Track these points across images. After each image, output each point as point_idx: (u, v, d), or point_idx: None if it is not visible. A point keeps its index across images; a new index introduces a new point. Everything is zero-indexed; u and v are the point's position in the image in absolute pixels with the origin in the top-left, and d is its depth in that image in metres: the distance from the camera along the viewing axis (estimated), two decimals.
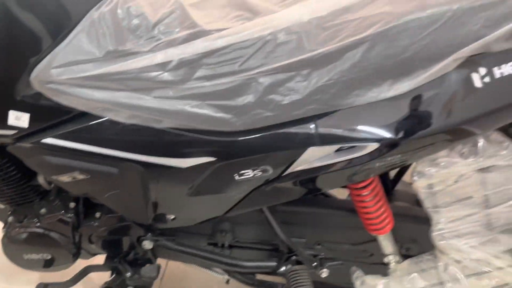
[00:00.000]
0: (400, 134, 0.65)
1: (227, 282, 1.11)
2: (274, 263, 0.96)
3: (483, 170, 0.77)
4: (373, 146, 0.68)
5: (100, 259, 1.07)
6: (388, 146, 0.67)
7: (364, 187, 0.82)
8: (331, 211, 0.98)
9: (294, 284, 0.88)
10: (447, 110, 0.64)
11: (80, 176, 0.80)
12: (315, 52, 0.63)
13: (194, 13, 0.69)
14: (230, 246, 1.01)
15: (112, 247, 1.03)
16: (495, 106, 0.63)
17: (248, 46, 0.65)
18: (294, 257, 0.95)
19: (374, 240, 0.94)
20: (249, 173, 0.77)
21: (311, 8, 0.66)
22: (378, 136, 0.66)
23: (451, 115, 0.64)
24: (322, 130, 0.69)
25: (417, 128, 0.65)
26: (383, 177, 1.05)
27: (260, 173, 0.77)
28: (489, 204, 0.82)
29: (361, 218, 0.89)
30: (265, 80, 0.66)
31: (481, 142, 0.73)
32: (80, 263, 1.06)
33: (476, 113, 0.63)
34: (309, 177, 0.77)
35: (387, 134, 0.66)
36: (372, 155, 0.69)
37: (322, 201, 1.02)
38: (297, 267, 0.91)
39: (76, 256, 1.01)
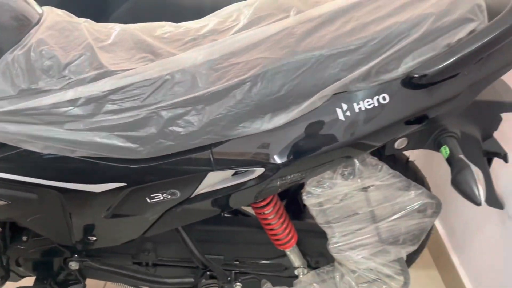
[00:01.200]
0: (281, 159, 0.76)
1: None
2: (192, 279, 1.04)
3: (365, 189, 0.89)
4: (260, 170, 0.78)
5: (30, 280, 1.12)
6: (271, 170, 0.77)
7: (265, 205, 0.92)
8: (247, 228, 1.07)
9: None
10: (318, 139, 0.75)
11: (1, 203, 0.86)
12: (207, 90, 0.74)
13: (103, 55, 0.78)
14: (154, 265, 1.08)
15: (40, 269, 1.08)
16: (356, 135, 0.75)
17: (149, 84, 0.74)
18: (208, 273, 1.03)
19: (286, 255, 1.04)
20: (159, 196, 0.85)
21: (205, 52, 0.77)
22: (263, 161, 0.77)
23: (320, 142, 0.75)
24: (217, 157, 0.78)
25: (294, 153, 0.76)
26: (295, 197, 1.17)
27: (169, 196, 0.85)
28: (375, 219, 0.94)
29: (267, 234, 0.98)
30: (165, 114, 0.75)
31: (357, 165, 0.85)
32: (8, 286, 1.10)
33: (341, 141, 0.75)
34: (215, 198, 0.86)
35: (270, 160, 0.77)
36: (261, 178, 0.79)
37: (239, 220, 1.11)
38: (209, 281, 0.99)
39: (4, 278, 1.05)
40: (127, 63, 0.78)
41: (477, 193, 0.75)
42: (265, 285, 1.02)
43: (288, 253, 1.02)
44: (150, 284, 1.06)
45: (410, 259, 1.23)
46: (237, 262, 1.08)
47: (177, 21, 0.90)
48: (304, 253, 1.07)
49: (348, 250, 0.95)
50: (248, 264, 1.08)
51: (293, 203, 1.15)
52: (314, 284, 0.99)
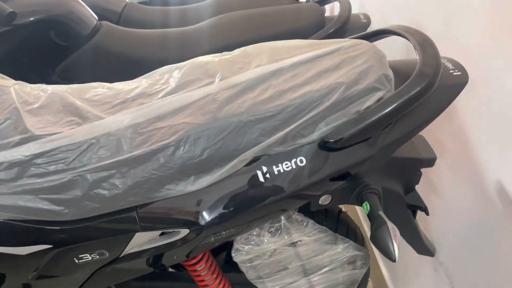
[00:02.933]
0: (204, 220, 0.78)
1: None
2: None
3: (293, 244, 0.92)
4: (185, 231, 0.80)
5: None
6: (196, 230, 0.79)
7: (196, 262, 0.93)
8: (185, 284, 1.07)
9: None
10: (240, 200, 0.78)
11: None
12: (131, 154, 0.76)
13: (29, 119, 0.79)
14: None
15: None
16: (276, 196, 0.78)
17: (75, 148, 0.76)
18: None
19: None
20: (87, 257, 0.85)
21: (131, 116, 0.79)
22: (187, 223, 0.79)
23: (241, 205, 0.78)
24: (142, 218, 0.80)
25: (217, 214, 0.78)
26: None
27: (97, 257, 0.85)
28: (307, 272, 0.96)
29: None
30: (90, 177, 0.76)
31: (283, 222, 0.88)
32: None
33: (262, 201, 0.78)
34: (144, 257, 0.87)
35: (194, 221, 0.78)
36: (186, 239, 0.81)
37: (177, 274, 1.11)
38: None
39: None
40: (53, 126, 0.80)
41: (392, 249, 0.79)
42: None
43: None
44: None
45: None
46: None
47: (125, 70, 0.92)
48: None
49: None
50: None
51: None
52: None
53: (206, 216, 0.78)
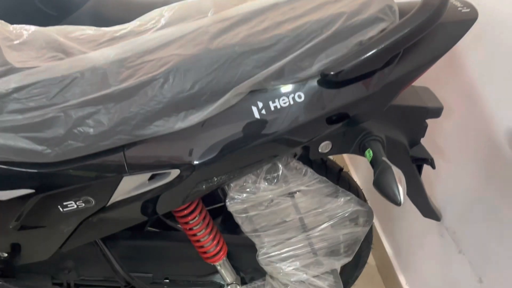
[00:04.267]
0: (195, 160, 0.73)
1: None
2: None
3: (291, 194, 0.86)
4: (176, 172, 0.74)
5: None
6: (187, 171, 0.74)
7: (189, 213, 0.88)
8: (176, 243, 1.02)
9: None
10: (233, 137, 0.73)
11: None
12: (117, 87, 0.71)
13: (10, 53, 0.74)
14: (77, 286, 1.01)
15: None
16: (273, 133, 0.73)
17: (57, 82, 0.71)
18: None
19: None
20: (72, 205, 0.80)
21: (117, 50, 0.74)
22: (178, 162, 0.74)
23: (235, 143, 0.73)
24: (130, 159, 0.74)
25: (209, 153, 0.73)
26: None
27: (83, 205, 0.80)
28: (305, 228, 0.91)
29: (195, 247, 0.94)
30: (74, 113, 0.71)
31: (281, 169, 0.82)
32: None
33: (257, 139, 0.73)
34: (133, 206, 0.82)
35: (184, 160, 0.73)
36: (178, 181, 0.75)
37: (167, 234, 1.06)
38: None
39: None
40: (35, 61, 0.75)
41: (397, 192, 0.74)
42: None
43: (218, 267, 0.97)
44: None
45: (352, 275, 1.21)
46: (167, 281, 1.02)
47: None
48: (237, 268, 1.02)
49: (279, 262, 0.92)
50: (179, 282, 1.02)
51: (228, 218, 1.11)
52: None
53: (198, 155, 0.73)
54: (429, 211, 1.04)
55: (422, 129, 0.92)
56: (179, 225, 1.11)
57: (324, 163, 0.98)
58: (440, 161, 1.15)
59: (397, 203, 0.74)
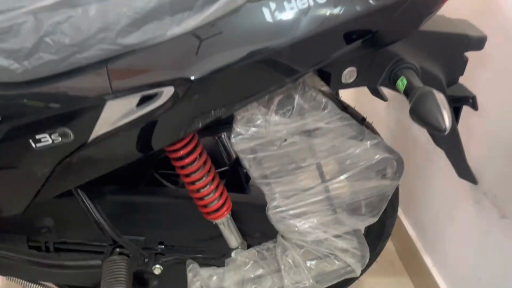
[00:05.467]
0: (192, 73, 0.60)
1: None
2: (99, 261, 0.83)
3: (308, 133, 0.73)
4: (169, 91, 0.61)
5: None
6: (182, 86, 0.60)
7: (187, 154, 0.74)
8: (172, 201, 0.88)
9: (106, 276, 0.75)
10: (238, 47, 0.59)
11: None
12: None
13: None
14: (57, 250, 0.87)
15: None
16: (286, 42, 0.59)
17: None
18: (118, 249, 0.82)
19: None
20: (47, 139, 0.67)
21: None
22: (172, 77, 0.60)
23: (241, 51, 0.59)
24: (114, 76, 0.61)
25: (207, 65, 0.59)
26: (236, 170, 0.99)
27: (60, 139, 0.67)
28: (324, 177, 0.77)
29: (194, 200, 0.80)
30: (45, 17, 0.58)
31: (296, 99, 0.69)
32: None
33: (267, 48, 0.59)
34: (119, 141, 0.68)
35: (179, 75, 0.60)
36: (172, 102, 0.62)
37: (161, 191, 0.92)
38: (115, 257, 0.79)
39: None
40: None
41: (440, 118, 0.60)
42: (191, 265, 0.82)
43: (221, 227, 0.83)
44: (49, 269, 0.84)
45: (373, 249, 1.06)
46: (162, 246, 0.88)
47: None
48: (243, 233, 0.88)
49: (292, 218, 0.77)
50: (176, 248, 0.88)
51: (234, 178, 0.97)
52: (252, 262, 0.80)
53: (195, 67, 0.59)
54: (465, 170, 0.90)
55: (461, 64, 0.78)
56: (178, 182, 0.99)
57: (345, 109, 0.85)
58: (474, 120, 1.01)
59: (441, 130, 0.60)
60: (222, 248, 0.88)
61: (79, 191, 0.78)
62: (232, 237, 0.84)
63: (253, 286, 0.78)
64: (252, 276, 0.78)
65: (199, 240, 0.88)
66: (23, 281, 0.91)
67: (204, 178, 0.76)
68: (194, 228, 0.87)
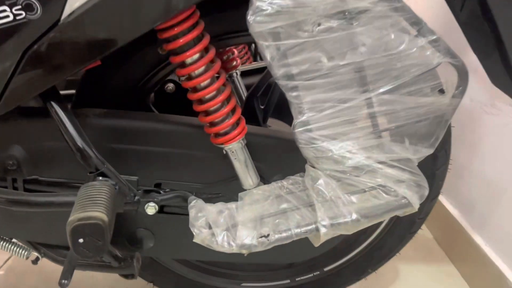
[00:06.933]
0: None
1: (35, 261, 0.79)
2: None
3: (349, 19, 0.55)
4: None
5: None
6: None
7: (183, 32, 0.57)
8: (171, 129, 0.70)
9: (79, 199, 0.57)
10: None
11: None
12: None
13: None
14: (27, 191, 0.70)
15: None
16: None
17: None
18: (101, 177, 0.64)
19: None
20: (7, 15, 0.51)
21: None
22: None
23: None
24: None
25: None
26: (251, 107, 0.83)
27: (23, 14, 0.51)
28: (366, 84, 0.59)
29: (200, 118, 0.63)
30: None
31: None
32: None
33: None
34: (100, 19, 0.52)
35: None
36: None
37: (156, 117, 0.74)
38: (94, 182, 0.60)
39: None
40: None
41: None
42: (194, 201, 0.64)
43: (233, 160, 0.65)
44: (15, 206, 0.66)
45: (420, 210, 0.87)
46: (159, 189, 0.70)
47: None
48: (261, 174, 0.70)
49: (325, 139, 0.59)
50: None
51: (249, 113, 0.80)
52: (273, 196, 0.62)
53: None
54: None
55: None
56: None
57: None
58: None
59: None
60: (236, 191, 0.70)
61: (53, 104, 0.61)
62: (247, 174, 0.66)
63: (277, 221, 0.59)
64: (274, 211, 0.60)
65: (206, 182, 0.71)
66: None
67: (211, 81, 0.59)
68: (200, 166, 0.70)
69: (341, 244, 0.94)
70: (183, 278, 0.94)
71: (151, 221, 0.73)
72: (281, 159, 0.70)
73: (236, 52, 0.92)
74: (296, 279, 0.94)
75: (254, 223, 0.59)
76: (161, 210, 0.73)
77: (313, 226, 0.58)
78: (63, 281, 0.60)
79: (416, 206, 0.60)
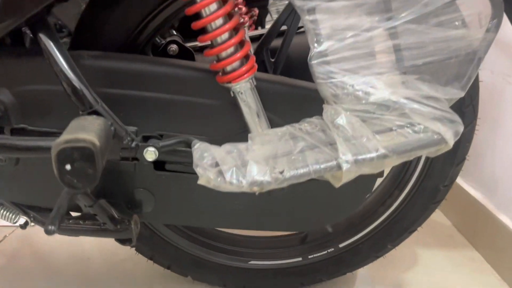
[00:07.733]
0: None
1: (23, 225, 0.72)
2: None
3: None
4: None
5: None
6: None
7: None
8: (177, 71, 0.63)
9: (69, 128, 0.50)
10: None
11: None
12: None
13: None
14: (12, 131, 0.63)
15: None
16: None
17: None
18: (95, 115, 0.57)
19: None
20: None
21: None
22: None
23: None
24: None
25: None
26: (260, 59, 0.76)
27: None
28: (391, 11, 0.53)
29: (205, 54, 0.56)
30: None
31: None
32: None
33: None
34: None
35: None
36: None
37: (159, 60, 0.67)
38: (86, 115, 0.54)
39: None
40: None
41: None
42: (198, 144, 0.58)
43: (241, 103, 0.58)
44: (5, 152, 0.59)
45: (444, 176, 0.80)
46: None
47: None
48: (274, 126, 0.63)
49: (345, 72, 0.53)
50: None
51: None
52: (287, 135, 0.55)
53: None
54: None
55: None
56: None
57: None
58: None
59: None
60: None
61: (42, 36, 0.55)
62: (257, 123, 0.60)
63: (293, 157, 0.52)
64: (289, 149, 0.53)
65: (213, 135, 0.64)
66: None
67: (217, 7, 0.53)
68: (206, 116, 0.63)
69: (358, 218, 0.87)
70: (188, 254, 0.87)
71: (151, 180, 0.67)
72: (296, 110, 0.63)
73: (244, 8, 0.86)
74: (309, 257, 0.87)
75: (266, 160, 0.52)
76: (162, 167, 0.67)
77: (334, 162, 0.52)
78: (50, 227, 0.54)
79: (451, 142, 0.53)
